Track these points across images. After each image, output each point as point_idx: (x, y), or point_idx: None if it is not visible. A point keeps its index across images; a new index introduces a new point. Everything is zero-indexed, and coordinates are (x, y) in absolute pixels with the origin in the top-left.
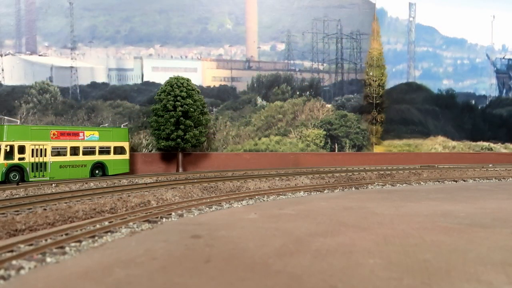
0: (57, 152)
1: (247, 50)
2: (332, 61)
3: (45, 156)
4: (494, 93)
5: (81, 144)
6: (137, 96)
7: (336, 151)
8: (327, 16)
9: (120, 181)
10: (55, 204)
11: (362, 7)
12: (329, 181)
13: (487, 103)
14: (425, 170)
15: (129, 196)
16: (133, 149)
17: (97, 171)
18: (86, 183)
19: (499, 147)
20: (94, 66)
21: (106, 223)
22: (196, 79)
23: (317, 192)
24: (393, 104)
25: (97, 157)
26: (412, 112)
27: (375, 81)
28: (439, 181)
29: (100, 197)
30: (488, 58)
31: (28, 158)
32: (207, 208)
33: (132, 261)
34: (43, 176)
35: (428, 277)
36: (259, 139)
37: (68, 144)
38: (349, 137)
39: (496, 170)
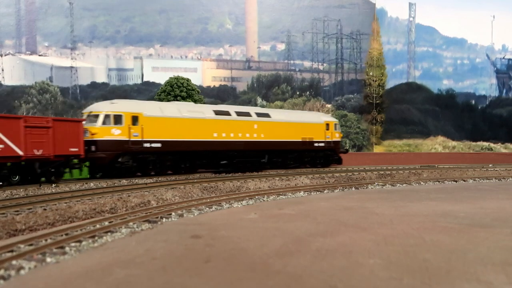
0: None
1: (247, 50)
2: (332, 61)
3: None
4: (494, 93)
5: None
6: (137, 96)
7: None
8: (327, 16)
9: (120, 181)
10: (55, 204)
11: (362, 7)
12: (329, 181)
13: (487, 103)
14: (425, 170)
15: (129, 196)
16: None
17: None
18: (86, 183)
19: (499, 147)
20: (94, 66)
21: (106, 223)
22: (196, 79)
23: (317, 192)
24: (393, 104)
25: None
26: (412, 112)
27: (375, 81)
28: (439, 181)
29: (100, 197)
30: (488, 58)
31: None
32: (207, 208)
33: (132, 261)
34: None
35: (428, 277)
36: None
37: None
38: (349, 137)
39: (496, 170)
